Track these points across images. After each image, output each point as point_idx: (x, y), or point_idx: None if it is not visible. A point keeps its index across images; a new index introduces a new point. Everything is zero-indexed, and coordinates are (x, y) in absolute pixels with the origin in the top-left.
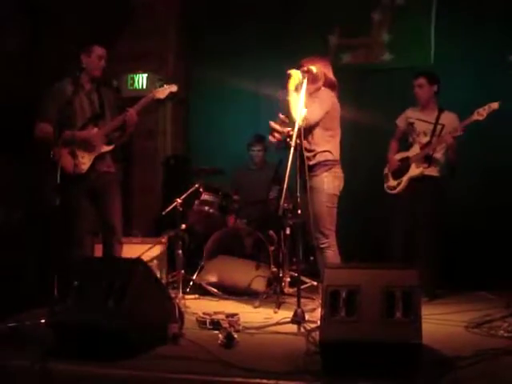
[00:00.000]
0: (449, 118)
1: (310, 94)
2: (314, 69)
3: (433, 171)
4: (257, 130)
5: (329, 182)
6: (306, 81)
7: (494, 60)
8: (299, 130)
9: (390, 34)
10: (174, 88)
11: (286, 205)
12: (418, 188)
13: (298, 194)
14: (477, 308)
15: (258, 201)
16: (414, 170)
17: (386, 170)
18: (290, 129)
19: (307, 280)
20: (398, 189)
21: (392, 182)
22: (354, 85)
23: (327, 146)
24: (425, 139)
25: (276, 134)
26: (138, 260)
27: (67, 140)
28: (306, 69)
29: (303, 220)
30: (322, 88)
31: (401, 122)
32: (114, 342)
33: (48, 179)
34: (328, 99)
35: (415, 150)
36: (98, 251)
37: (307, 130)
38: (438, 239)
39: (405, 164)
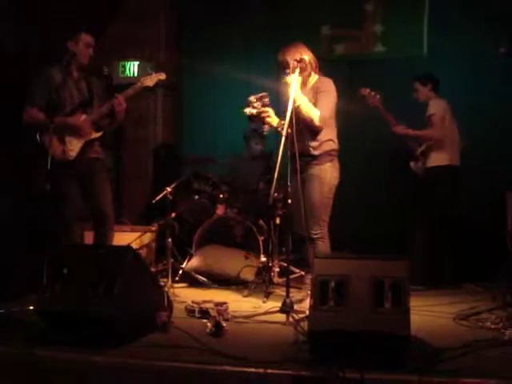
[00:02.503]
0: (435, 106)
1: (304, 84)
2: (306, 57)
3: (431, 162)
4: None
5: (332, 172)
6: (298, 71)
7: (486, 51)
8: (290, 119)
9: (382, 26)
10: (162, 76)
11: (276, 194)
12: (422, 181)
13: (289, 183)
14: (464, 300)
15: (249, 190)
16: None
17: None
18: (265, 109)
19: (296, 270)
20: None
21: None
22: (346, 76)
23: (330, 134)
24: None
25: (252, 110)
26: (128, 248)
27: (58, 126)
28: (298, 58)
29: (290, 210)
30: (323, 78)
31: None
32: (102, 330)
33: (36, 165)
34: (333, 91)
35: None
36: (89, 239)
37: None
38: (433, 229)
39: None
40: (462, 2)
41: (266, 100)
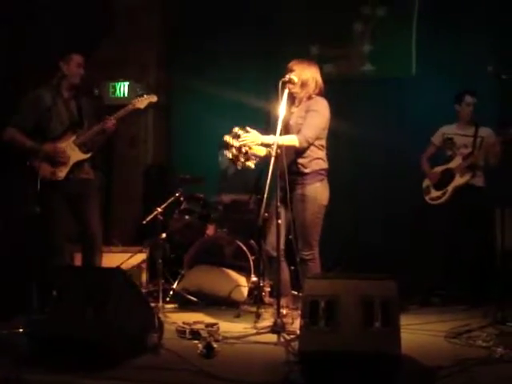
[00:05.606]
0: (486, 132)
1: (300, 101)
2: (295, 78)
3: (478, 181)
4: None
5: (322, 193)
6: (286, 91)
7: (474, 71)
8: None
9: (371, 45)
10: (153, 98)
11: (266, 214)
12: (463, 198)
13: (279, 204)
14: (455, 318)
15: (239, 209)
16: (460, 180)
17: (425, 184)
18: (242, 143)
19: None
20: (444, 198)
21: (435, 193)
22: (335, 95)
23: (319, 153)
24: (466, 150)
25: (232, 150)
26: (118, 269)
27: (47, 151)
28: (287, 79)
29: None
30: (317, 98)
31: (436, 139)
32: (93, 353)
33: (26, 187)
34: (324, 110)
35: (458, 161)
36: (79, 260)
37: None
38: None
39: (447, 175)
40: (449, 21)
41: (247, 128)
